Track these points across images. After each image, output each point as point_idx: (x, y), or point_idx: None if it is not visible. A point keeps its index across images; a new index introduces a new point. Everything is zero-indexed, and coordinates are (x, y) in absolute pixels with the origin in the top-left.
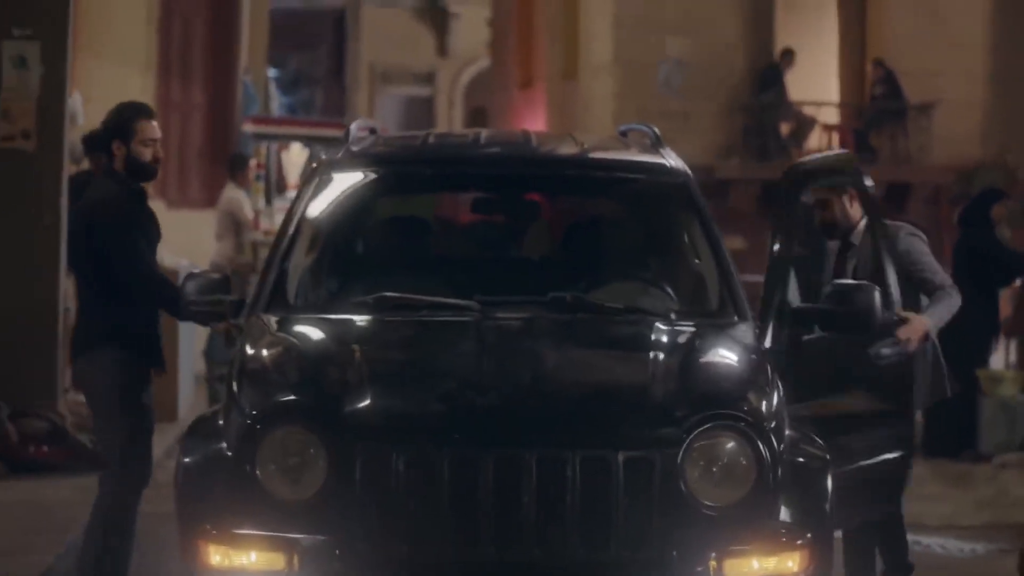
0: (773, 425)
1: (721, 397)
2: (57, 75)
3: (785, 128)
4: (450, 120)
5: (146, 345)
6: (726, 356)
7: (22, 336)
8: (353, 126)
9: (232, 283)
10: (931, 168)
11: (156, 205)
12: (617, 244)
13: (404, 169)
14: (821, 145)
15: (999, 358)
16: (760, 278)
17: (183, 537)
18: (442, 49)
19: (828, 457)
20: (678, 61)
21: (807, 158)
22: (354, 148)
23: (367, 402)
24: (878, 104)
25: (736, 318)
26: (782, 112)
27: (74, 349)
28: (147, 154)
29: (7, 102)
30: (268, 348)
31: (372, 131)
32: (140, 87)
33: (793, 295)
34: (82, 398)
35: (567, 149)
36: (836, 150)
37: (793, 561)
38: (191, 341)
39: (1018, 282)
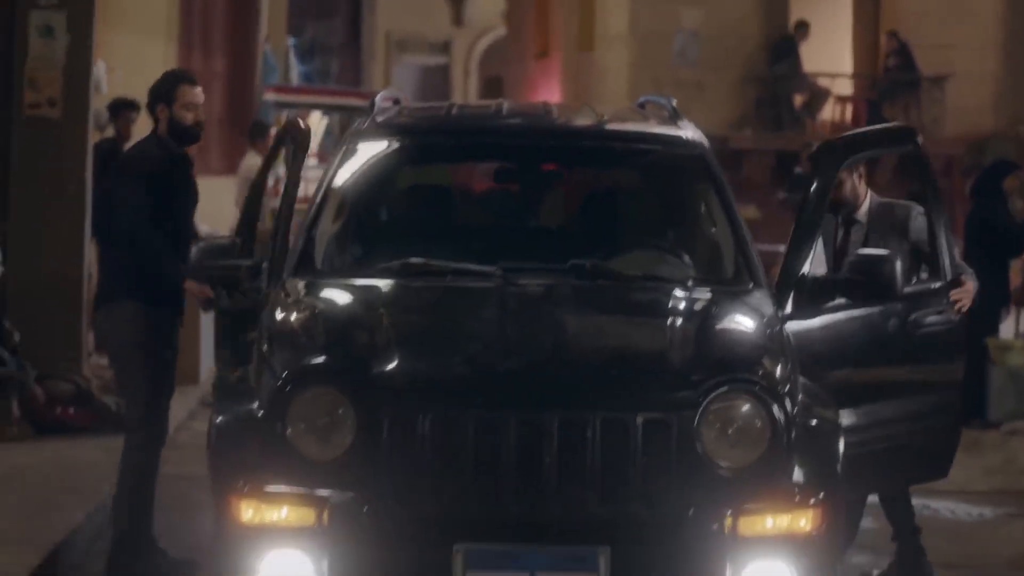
0: (787, 389)
1: (736, 362)
2: (83, 44)
3: (799, 99)
4: (465, 89)
5: (166, 297)
6: (741, 322)
7: (47, 301)
8: (378, 97)
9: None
10: (944, 140)
11: None
12: (635, 213)
13: (429, 139)
14: (834, 117)
15: (1008, 327)
16: (772, 247)
17: (216, 494)
18: (458, 18)
19: (840, 421)
20: (693, 32)
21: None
22: (379, 119)
23: (394, 364)
24: (891, 76)
25: (751, 285)
26: (796, 83)
27: (96, 303)
28: (189, 118)
29: (34, 71)
30: (297, 312)
31: (396, 101)
32: (162, 56)
33: (818, 264)
34: (105, 361)
35: (588, 121)
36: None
37: (806, 519)
38: None
39: None
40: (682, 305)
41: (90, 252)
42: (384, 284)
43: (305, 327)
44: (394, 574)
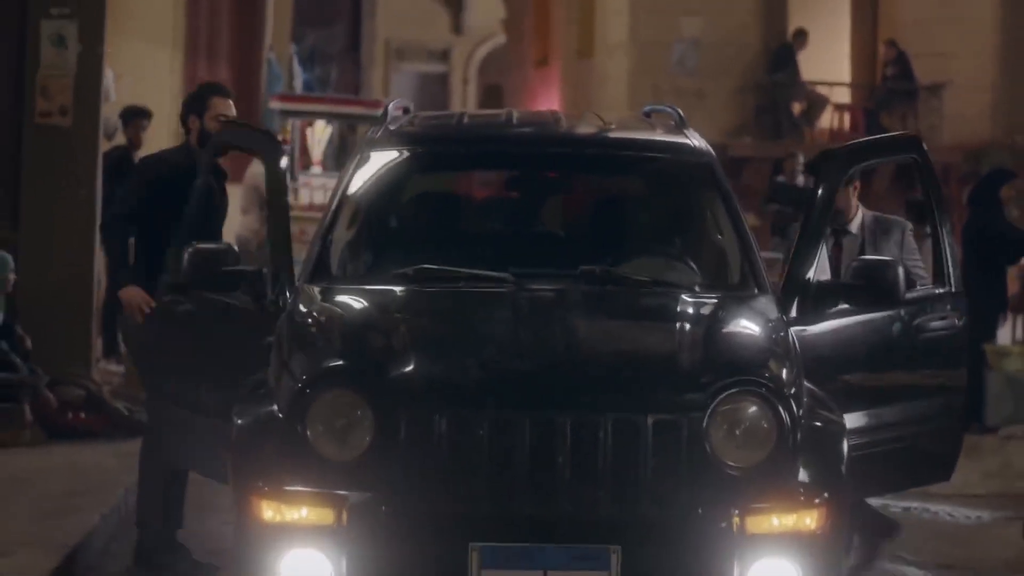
0: (792, 391)
1: (744, 364)
2: (93, 53)
3: (797, 107)
4: (464, 97)
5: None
6: (748, 326)
7: (57, 308)
8: (390, 106)
9: (256, 256)
10: (941, 148)
11: None
12: (643, 220)
13: (441, 148)
14: (833, 125)
15: (1006, 333)
16: (772, 254)
17: (237, 494)
18: (457, 26)
19: (844, 422)
20: (693, 41)
21: (859, 140)
22: (392, 128)
23: (411, 367)
24: (889, 84)
25: (756, 291)
26: (794, 92)
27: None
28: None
29: (46, 79)
30: (315, 317)
31: (406, 111)
32: (168, 65)
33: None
34: (113, 367)
35: (596, 130)
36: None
37: (811, 519)
38: None
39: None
40: (690, 310)
41: (100, 259)
42: (399, 289)
43: (323, 331)
44: (411, 572)
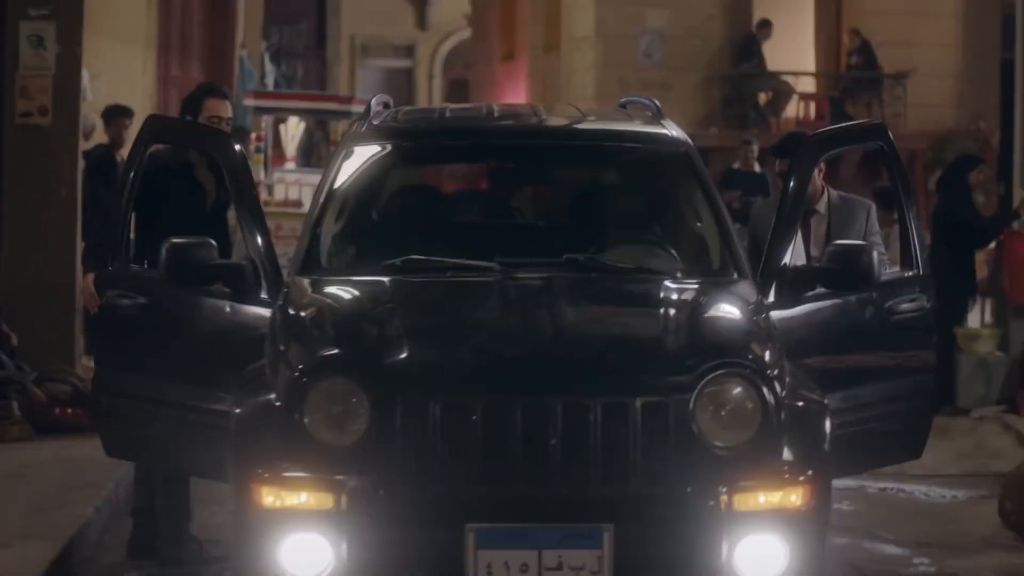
0: (776, 372)
1: (728, 347)
2: (72, 53)
3: (763, 97)
4: (430, 92)
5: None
6: (730, 310)
7: (40, 306)
8: (373, 101)
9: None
10: (906, 135)
11: None
12: (624, 209)
13: (425, 141)
14: (799, 114)
15: (975, 317)
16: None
17: (237, 482)
18: (422, 22)
19: (826, 401)
20: (658, 33)
21: (831, 127)
22: (375, 122)
23: (404, 355)
24: (853, 73)
25: (736, 276)
26: (760, 82)
27: None
28: None
29: (25, 79)
30: (310, 307)
31: (387, 106)
32: (141, 64)
33: (796, 256)
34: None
35: (577, 121)
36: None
37: (796, 496)
38: None
39: (992, 245)
40: (673, 295)
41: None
42: (389, 280)
43: (317, 321)
44: (410, 554)
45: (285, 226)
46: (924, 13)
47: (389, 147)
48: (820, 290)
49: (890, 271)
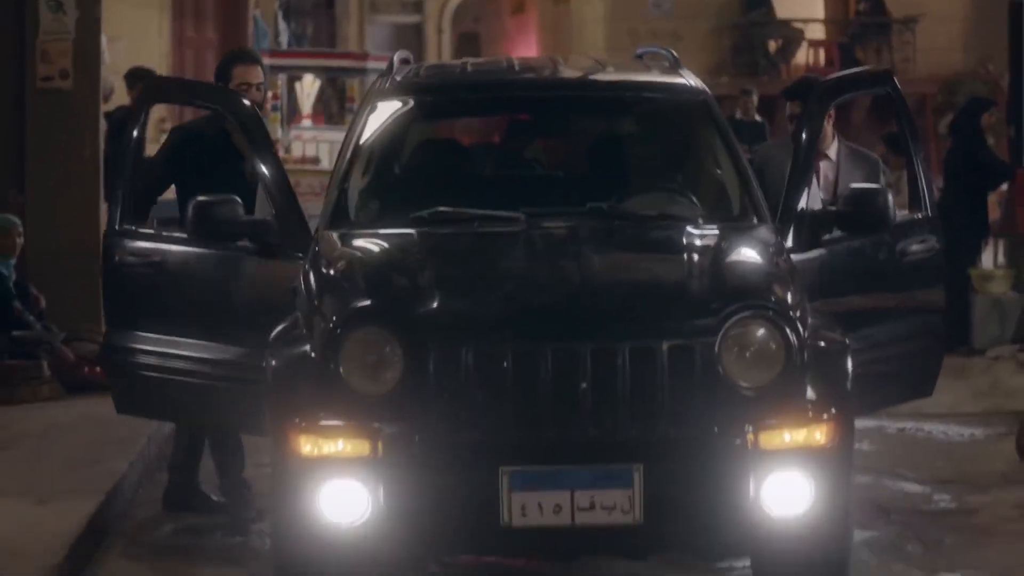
0: (798, 314)
1: (751, 289)
2: (91, 17)
3: (773, 45)
4: (439, 47)
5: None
6: (751, 254)
7: (65, 267)
8: (395, 57)
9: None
10: (916, 80)
11: None
12: (645, 158)
13: (448, 96)
14: (808, 61)
15: (989, 257)
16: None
17: (275, 431)
18: None
19: (847, 341)
20: None
21: (841, 73)
22: (399, 78)
23: (436, 304)
24: (862, 19)
25: (756, 220)
26: (770, 30)
27: None
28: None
29: (46, 44)
30: (341, 260)
31: (406, 62)
32: (157, 27)
33: (814, 199)
34: None
35: (599, 73)
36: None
37: (820, 433)
38: None
39: (1004, 186)
40: (696, 241)
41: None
42: (417, 232)
43: (349, 274)
44: (445, 497)
45: (303, 183)
46: None
47: (412, 102)
48: (836, 233)
49: (900, 215)
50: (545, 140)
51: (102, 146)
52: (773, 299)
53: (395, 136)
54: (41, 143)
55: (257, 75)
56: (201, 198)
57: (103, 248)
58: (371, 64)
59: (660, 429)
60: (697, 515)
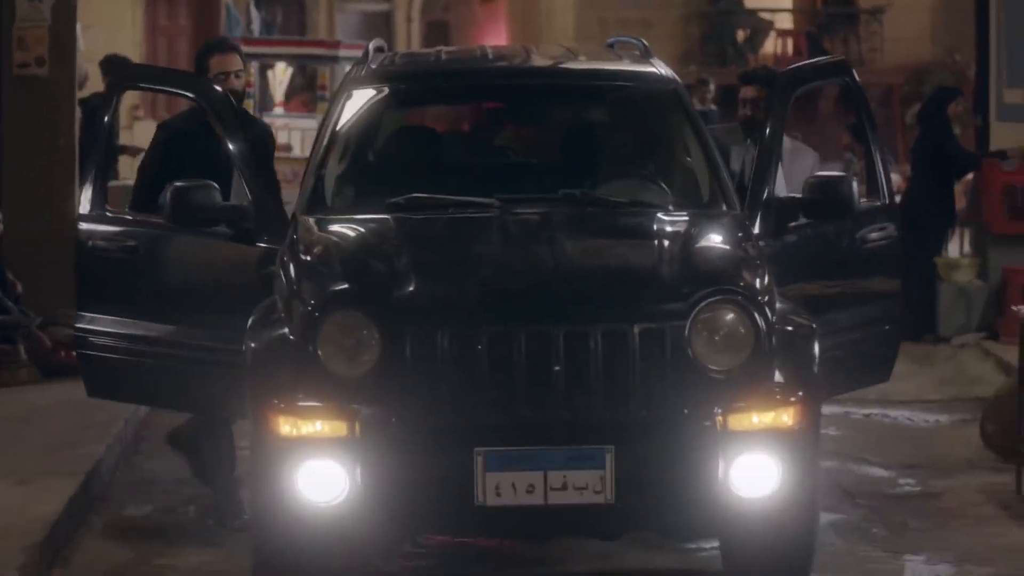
0: (766, 299)
1: (720, 275)
2: (67, 4)
3: (741, 35)
4: (408, 35)
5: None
6: (721, 240)
7: (43, 251)
8: (371, 46)
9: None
10: (883, 70)
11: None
12: (616, 146)
13: (422, 83)
14: (776, 50)
15: (955, 246)
16: None
17: (254, 412)
18: None
19: (814, 326)
20: None
21: (801, 63)
22: (374, 66)
23: (412, 288)
24: (830, 9)
25: (725, 207)
26: (738, 19)
27: None
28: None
29: (22, 31)
30: (318, 245)
31: (381, 50)
32: (130, 14)
33: (780, 186)
34: None
35: (571, 61)
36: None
37: (788, 416)
38: None
39: (970, 176)
40: (667, 227)
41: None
42: (393, 217)
43: (326, 258)
44: (421, 478)
45: (279, 171)
46: None
47: (387, 89)
48: (801, 220)
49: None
50: (518, 128)
51: (77, 133)
52: (742, 284)
53: (371, 123)
54: (17, 130)
55: (235, 63)
56: (178, 184)
57: (75, 232)
58: (343, 52)
59: (631, 411)
60: (668, 495)
